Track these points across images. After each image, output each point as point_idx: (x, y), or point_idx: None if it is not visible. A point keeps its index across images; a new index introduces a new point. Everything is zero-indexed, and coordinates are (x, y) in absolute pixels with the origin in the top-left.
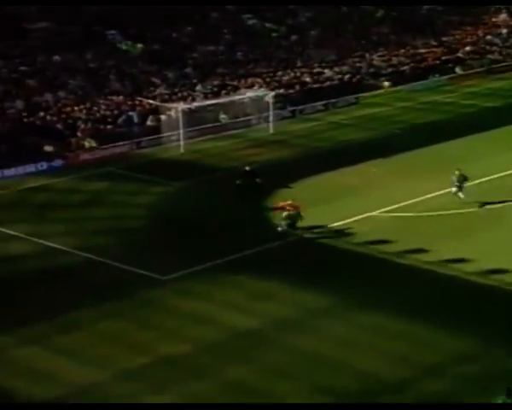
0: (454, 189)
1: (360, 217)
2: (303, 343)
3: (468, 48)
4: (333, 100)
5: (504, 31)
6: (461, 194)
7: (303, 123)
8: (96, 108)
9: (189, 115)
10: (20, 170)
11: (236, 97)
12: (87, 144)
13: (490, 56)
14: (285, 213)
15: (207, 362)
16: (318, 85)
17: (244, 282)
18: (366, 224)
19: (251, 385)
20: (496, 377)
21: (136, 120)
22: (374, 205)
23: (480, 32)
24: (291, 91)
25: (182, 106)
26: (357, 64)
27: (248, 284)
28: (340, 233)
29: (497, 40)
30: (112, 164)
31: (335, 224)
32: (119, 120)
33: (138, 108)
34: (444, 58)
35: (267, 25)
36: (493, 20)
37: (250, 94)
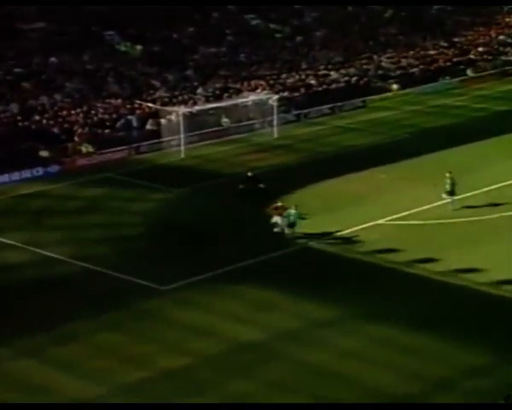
0: (445, 194)
1: (367, 225)
2: (307, 356)
3: (480, 49)
4: (339, 103)
5: None
6: (450, 198)
7: (308, 127)
8: (93, 112)
9: (190, 119)
10: (15, 176)
11: (239, 101)
12: (84, 149)
13: (503, 58)
14: (286, 213)
15: (208, 376)
16: (324, 88)
17: (246, 292)
18: (373, 232)
19: (253, 399)
20: (509, 391)
21: (135, 124)
22: (381, 213)
23: (493, 33)
24: (296, 94)
25: (182, 109)
26: (365, 66)
27: (250, 294)
28: (347, 242)
29: (510, 41)
30: (110, 170)
31: (341, 232)
32: (118, 125)
33: (137, 112)
34: (455, 60)
35: (271, 25)
36: (506, 20)
37: (253, 97)
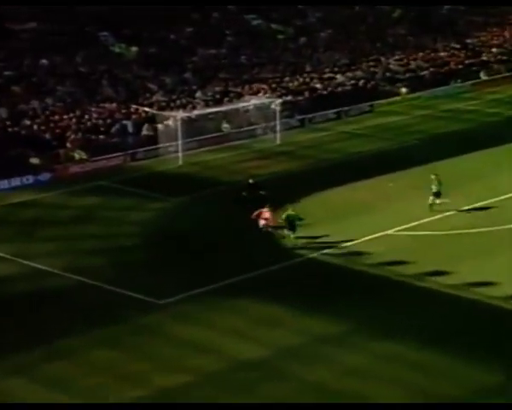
0: (432, 198)
1: (374, 236)
2: (311, 374)
3: (493, 50)
4: (345, 108)
5: None
6: (437, 200)
7: (312, 133)
8: (86, 117)
9: (189, 124)
10: (4, 184)
11: (240, 105)
12: (77, 156)
13: None
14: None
15: (208, 394)
16: (329, 92)
17: (247, 307)
18: (381, 243)
19: None
20: None
21: (130, 129)
22: (389, 223)
23: (507, 33)
24: (299, 98)
25: (180, 114)
26: (372, 69)
27: (252, 309)
28: (353, 253)
29: None
30: (104, 178)
31: (348, 243)
32: (112, 130)
33: (133, 117)
34: (467, 62)
35: (273, 26)
36: None
37: (255, 101)
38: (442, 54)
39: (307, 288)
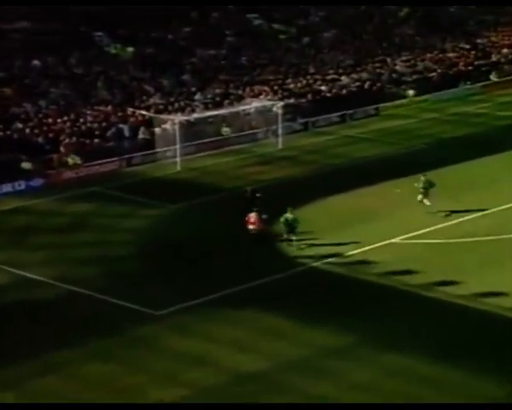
0: (420, 196)
1: (380, 244)
2: (314, 388)
3: (504, 51)
4: (350, 111)
5: None
6: (426, 201)
7: (316, 137)
8: (81, 120)
9: (187, 128)
10: None
11: (240, 108)
12: (71, 161)
13: None
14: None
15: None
16: (333, 94)
17: (247, 318)
18: (387, 252)
19: None
20: None
21: (126, 133)
22: (396, 230)
23: None
24: (302, 101)
25: (179, 118)
26: (378, 70)
27: (252, 320)
28: (358, 262)
29: None
30: (99, 184)
31: (352, 251)
32: (108, 134)
33: (129, 121)
34: (476, 63)
35: (275, 25)
36: None
37: (256, 104)
38: (451, 54)
39: (310, 298)
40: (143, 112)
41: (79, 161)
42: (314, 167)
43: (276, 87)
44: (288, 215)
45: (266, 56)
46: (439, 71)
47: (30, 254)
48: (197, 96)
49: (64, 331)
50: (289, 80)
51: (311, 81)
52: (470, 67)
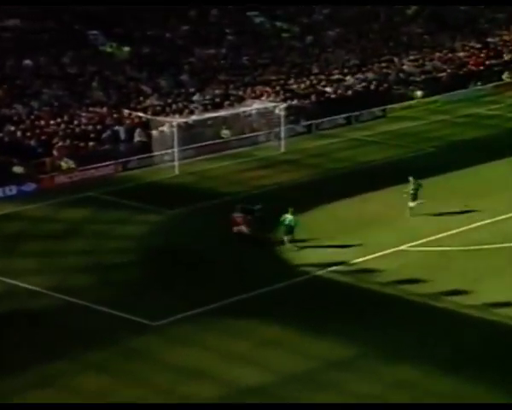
0: (410, 201)
1: (387, 251)
2: (318, 402)
3: None
4: (356, 113)
5: None
6: (411, 203)
7: (320, 140)
8: (75, 122)
9: (186, 131)
10: None
11: (241, 110)
12: (64, 165)
13: None
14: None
15: None
16: (338, 95)
17: (248, 328)
18: (394, 260)
19: None
20: None
21: (122, 136)
22: (403, 237)
23: None
24: (306, 102)
25: (177, 120)
26: (385, 70)
27: (253, 330)
28: (363, 270)
29: None
30: (93, 188)
31: (357, 259)
32: (103, 137)
33: (125, 123)
34: (488, 63)
35: (277, 23)
36: None
37: (257, 106)
38: (461, 54)
39: (313, 308)
40: (140, 114)
41: (73, 165)
42: (318, 172)
43: (278, 88)
44: (288, 216)
45: (268, 56)
46: (448, 71)
47: (22, 263)
48: (196, 98)
49: (58, 343)
50: (292, 81)
51: (314, 82)
52: (481, 67)
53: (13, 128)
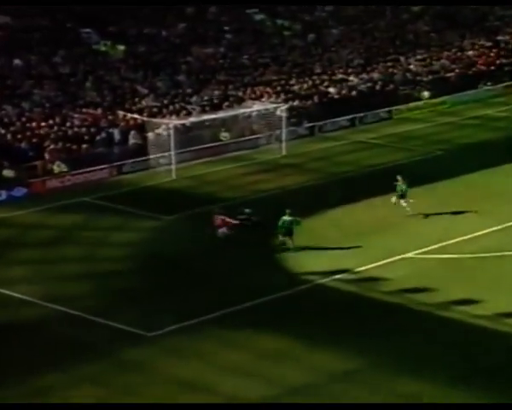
0: (394, 198)
1: (393, 259)
2: None
3: None
4: (360, 114)
5: None
6: (394, 199)
7: (323, 143)
8: (67, 124)
9: (183, 133)
10: None
11: (241, 111)
12: (56, 169)
13: None
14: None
15: None
16: (342, 96)
17: (248, 339)
18: (401, 267)
19: None
20: None
21: (117, 138)
22: (410, 244)
23: None
24: (308, 103)
25: (174, 122)
26: (390, 70)
27: (253, 341)
28: (368, 279)
29: None
30: (87, 193)
31: (362, 267)
32: (97, 139)
33: (120, 125)
34: (498, 62)
35: (278, 21)
36: None
37: (258, 107)
38: (470, 53)
39: (315, 318)
40: (135, 115)
41: (66, 169)
42: (321, 176)
43: (279, 88)
44: (286, 218)
45: (269, 55)
46: (456, 70)
47: (12, 271)
48: (194, 99)
49: (50, 355)
50: (294, 81)
51: (317, 82)
52: (491, 67)
53: (3, 130)
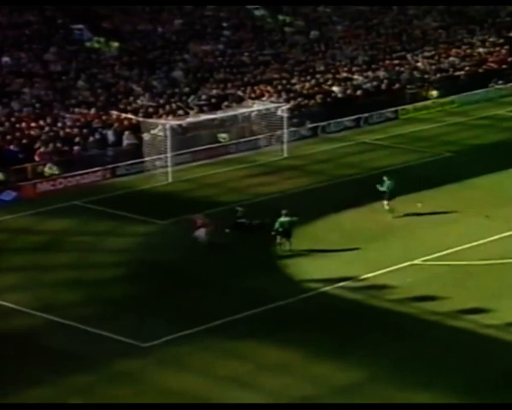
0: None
1: (399, 266)
2: None
3: None
4: (365, 114)
5: None
6: (386, 203)
7: (326, 144)
8: (59, 125)
9: (180, 134)
10: None
11: (240, 111)
12: (47, 171)
13: None
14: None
15: None
16: (346, 95)
17: (248, 350)
18: (407, 275)
19: None
20: None
21: (110, 139)
22: (417, 251)
23: None
24: (311, 103)
25: (170, 122)
26: (397, 68)
27: (254, 352)
28: (374, 287)
29: None
30: (79, 197)
31: (367, 275)
32: (90, 140)
33: (114, 125)
34: (509, 60)
35: (280, 17)
36: None
37: (258, 107)
38: (480, 50)
39: (318, 328)
40: (130, 115)
41: (57, 172)
42: (324, 179)
43: (280, 87)
44: (283, 219)
45: (269, 52)
46: (466, 68)
47: (0, 278)
48: (191, 99)
49: (40, 366)
50: (296, 79)
51: (320, 80)
52: (502, 65)
53: None
